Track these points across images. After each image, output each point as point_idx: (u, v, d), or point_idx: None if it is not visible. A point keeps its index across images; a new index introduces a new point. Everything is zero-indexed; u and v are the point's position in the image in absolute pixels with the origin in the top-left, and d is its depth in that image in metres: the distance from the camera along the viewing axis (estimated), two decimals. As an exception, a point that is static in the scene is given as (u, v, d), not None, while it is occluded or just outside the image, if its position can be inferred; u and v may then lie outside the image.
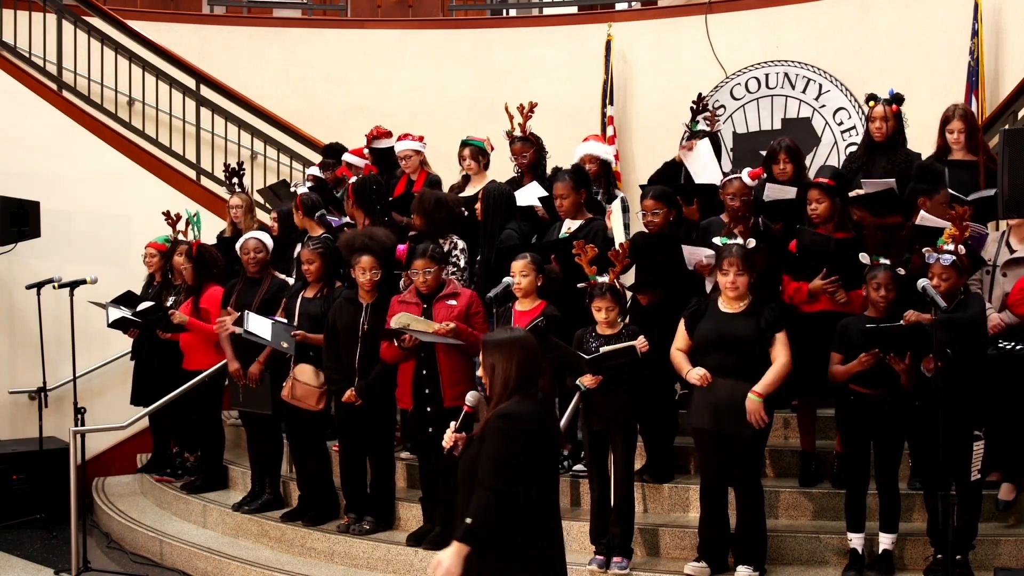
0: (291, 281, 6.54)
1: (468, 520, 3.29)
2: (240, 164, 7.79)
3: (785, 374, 4.86)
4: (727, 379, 4.86)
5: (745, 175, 5.70)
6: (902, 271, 4.94)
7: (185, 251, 6.92)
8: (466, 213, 6.28)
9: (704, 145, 6.25)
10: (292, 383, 6.03)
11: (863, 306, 5.15)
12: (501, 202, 6.21)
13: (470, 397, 3.62)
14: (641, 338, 5.02)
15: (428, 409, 5.52)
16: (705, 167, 6.23)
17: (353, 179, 6.78)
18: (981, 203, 5.40)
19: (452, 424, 3.58)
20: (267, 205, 7.84)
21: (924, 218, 5.22)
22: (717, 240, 5.10)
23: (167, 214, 7.24)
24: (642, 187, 6.10)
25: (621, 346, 4.97)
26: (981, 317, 4.80)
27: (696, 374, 4.92)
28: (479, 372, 3.56)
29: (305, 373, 6.02)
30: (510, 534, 3.32)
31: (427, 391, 5.52)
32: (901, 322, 4.75)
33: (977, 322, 4.75)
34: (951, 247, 4.78)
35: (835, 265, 5.30)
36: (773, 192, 5.68)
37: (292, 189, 7.36)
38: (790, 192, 5.63)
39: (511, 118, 6.64)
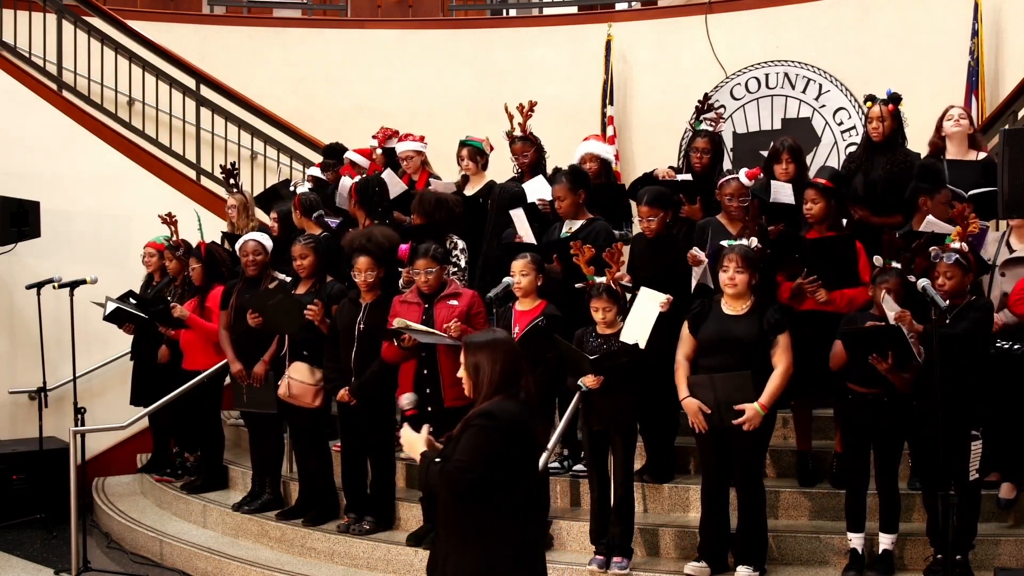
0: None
1: (440, 460, 3.28)
2: (233, 164, 7.79)
3: (787, 380, 4.85)
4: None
5: (742, 175, 5.70)
6: (912, 278, 4.92)
7: (175, 253, 6.95)
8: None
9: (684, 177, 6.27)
10: (287, 381, 6.04)
11: (858, 306, 5.14)
12: (507, 200, 6.22)
13: (406, 400, 3.52)
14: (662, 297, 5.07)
15: (429, 409, 5.51)
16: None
17: (357, 178, 6.78)
18: (980, 201, 5.40)
19: (405, 425, 3.53)
20: (260, 209, 7.86)
21: (929, 222, 5.19)
22: (725, 243, 5.09)
23: (163, 216, 7.25)
24: (634, 192, 6.09)
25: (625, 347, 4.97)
26: (981, 327, 4.75)
27: (688, 407, 4.92)
28: (459, 373, 3.48)
29: (299, 371, 6.04)
30: (492, 532, 3.31)
31: (428, 391, 5.52)
32: (891, 320, 4.71)
33: (971, 334, 4.70)
34: (957, 245, 4.78)
35: (817, 263, 5.27)
36: (779, 193, 5.66)
37: (292, 189, 7.37)
38: (791, 198, 5.62)
39: (511, 118, 6.64)
